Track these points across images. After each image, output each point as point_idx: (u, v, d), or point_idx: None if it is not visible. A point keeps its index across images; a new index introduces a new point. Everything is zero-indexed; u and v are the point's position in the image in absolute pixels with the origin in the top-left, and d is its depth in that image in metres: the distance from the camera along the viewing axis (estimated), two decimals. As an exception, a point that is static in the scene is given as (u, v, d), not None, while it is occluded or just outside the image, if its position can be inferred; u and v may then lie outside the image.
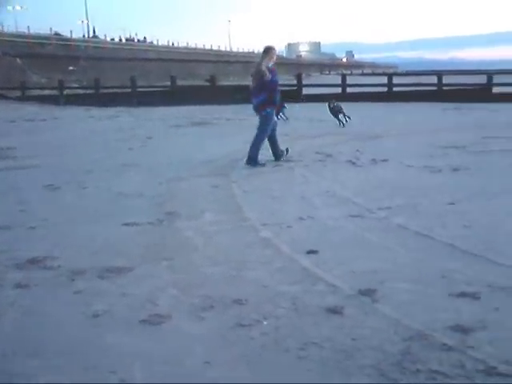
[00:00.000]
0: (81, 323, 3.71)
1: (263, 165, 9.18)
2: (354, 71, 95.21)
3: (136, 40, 68.77)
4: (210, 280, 4.38)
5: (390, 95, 23.15)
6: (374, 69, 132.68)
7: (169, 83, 27.67)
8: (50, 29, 46.63)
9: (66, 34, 50.18)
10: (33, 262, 4.84)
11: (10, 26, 51.51)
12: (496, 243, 5.11)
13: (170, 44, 69.44)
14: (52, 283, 4.39)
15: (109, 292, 4.19)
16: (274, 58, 9.36)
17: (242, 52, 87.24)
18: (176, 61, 58.75)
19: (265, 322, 3.62)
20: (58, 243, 5.37)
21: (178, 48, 68.94)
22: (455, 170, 8.60)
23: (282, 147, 9.68)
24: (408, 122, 15.75)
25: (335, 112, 14.82)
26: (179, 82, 29.56)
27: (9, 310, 3.94)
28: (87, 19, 65.35)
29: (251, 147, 9.20)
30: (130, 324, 3.66)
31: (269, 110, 9.13)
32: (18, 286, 4.34)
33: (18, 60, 37.66)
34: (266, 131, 9.21)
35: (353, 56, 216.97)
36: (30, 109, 22.26)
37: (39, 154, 11.08)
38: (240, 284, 4.29)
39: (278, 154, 9.51)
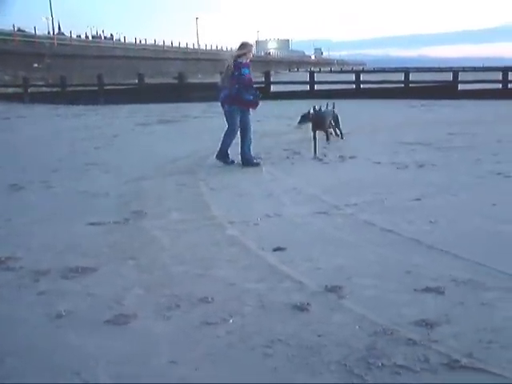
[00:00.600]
0: (44, 324, 3.65)
1: (232, 162, 9.10)
2: (323, 68, 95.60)
3: (103, 37, 68.02)
4: (177, 279, 4.35)
5: (357, 92, 23.30)
6: (342, 66, 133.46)
7: (136, 81, 27.45)
8: (13, 25, 45.64)
9: (29, 30, 49.31)
10: (-5, 263, 4.75)
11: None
12: (461, 238, 5.18)
13: (138, 41, 68.69)
14: (15, 284, 4.31)
15: (73, 292, 4.14)
16: (249, 54, 9.01)
17: (211, 50, 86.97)
18: (144, 58, 58.18)
19: (231, 320, 3.61)
20: (21, 244, 5.27)
21: (145, 45, 68.19)
22: (421, 166, 8.69)
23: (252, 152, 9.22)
24: (375, 118, 15.89)
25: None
26: (147, 80, 29.33)
27: (-31, 312, 3.86)
28: (52, 16, 64.12)
29: (221, 142, 9.11)
30: (95, 324, 3.62)
31: (227, 107, 8.98)
32: (-21, 287, 4.26)
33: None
34: (232, 127, 9.04)
35: (321, 53, 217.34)
36: (-6, 107, 21.87)
37: (2, 154, 10.89)
38: (206, 282, 4.27)
39: (246, 158, 9.06)
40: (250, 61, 9.15)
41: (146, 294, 4.09)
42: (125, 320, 3.65)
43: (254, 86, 9.38)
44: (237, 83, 8.82)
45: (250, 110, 9.10)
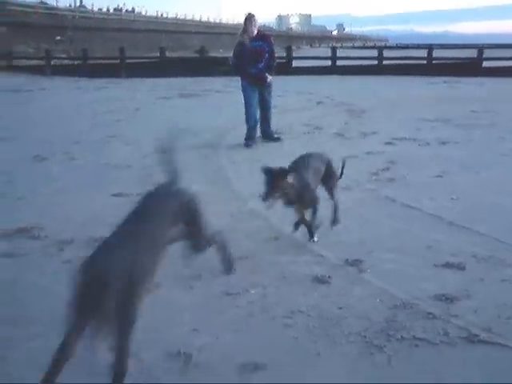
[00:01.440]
0: (67, 292, 3.71)
1: (249, 145, 8.77)
2: (345, 44, 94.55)
3: (124, 10, 67.77)
4: (198, 250, 4.39)
5: (380, 68, 23.03)
6: (364, 42, 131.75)
7: (158, 54, 27.37)
8: (36, -3, 45.61)
9: (52, 2, 49.35)
10: (20, 231, 4.83)
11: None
12: (482, 215, 5.17)
13: (159, 15, 68.44)
14: (40, 253, 4.39)
15: (97, 261, 4.19)
16: (247, 27, 8.69)
17: (232, 24, 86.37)
18: (165, 32, 58.03)
19: (252, 291, 3.65)
20: (45, 214, 5.36)
21: (167, 19, 67.94)
22: (443, 143, 8.63)
23: (274, 127, 9.20)
24: (397, 95, 15.71)
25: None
26: (169, 54, 29.21)
27: (-5, 278, 3.95)
28: (74, -12, 63.96)
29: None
30: (118, 293, 3.67)
31: (240, 81, 8.93)
32: (5, 255, 4.35)
33: (2, 28, 36.87)
34: (245, 103, 8.90)
35: (343, 29, 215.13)
36: (16, 79, 21.96)
37: (25, 125, 10.98)
38: (228, 254, 4.30)
39: (266, 133, 9.07)
40: (260, 32, 8.85)
41: (168, 264, 4.13)
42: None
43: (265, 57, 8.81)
44: (235, 58, 8.81)
45: (271, 86, 8.94)
